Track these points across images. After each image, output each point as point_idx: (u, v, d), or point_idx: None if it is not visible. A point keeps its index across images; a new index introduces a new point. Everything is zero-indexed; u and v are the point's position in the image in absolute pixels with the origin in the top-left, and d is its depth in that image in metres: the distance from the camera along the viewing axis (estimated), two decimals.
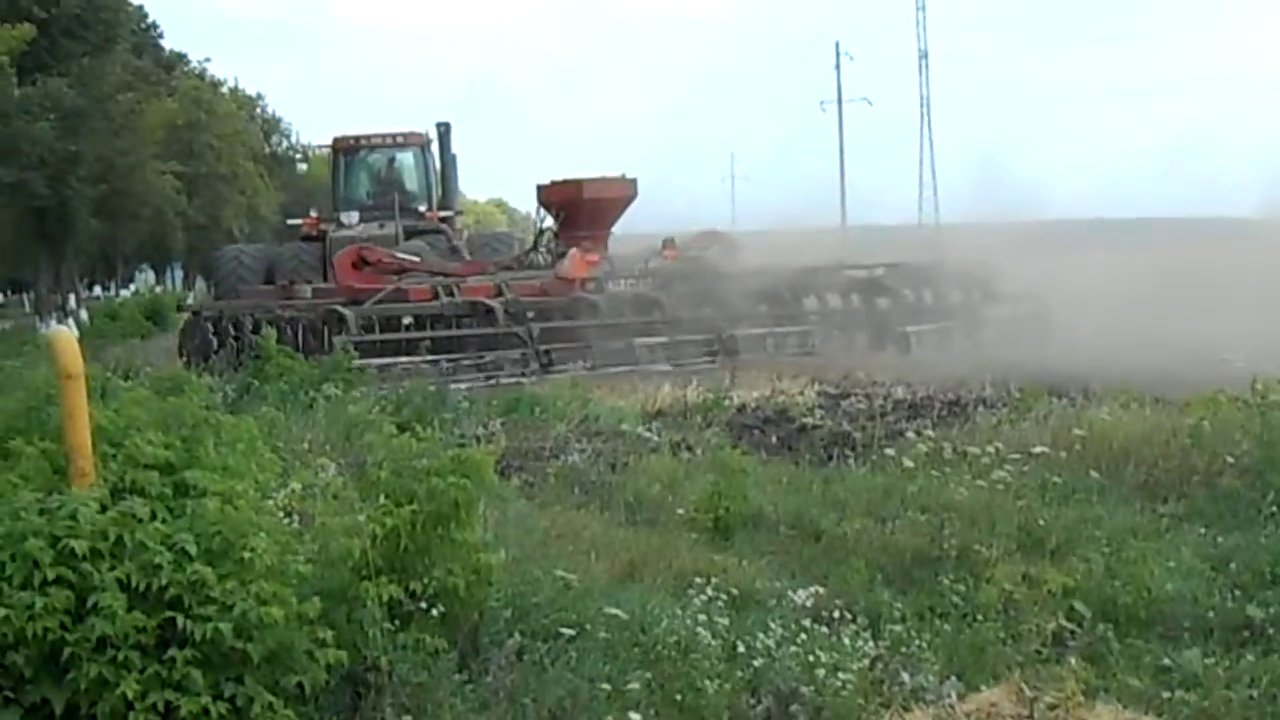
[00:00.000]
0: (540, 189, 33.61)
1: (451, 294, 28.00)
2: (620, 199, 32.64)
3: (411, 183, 37.91)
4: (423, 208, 37.13)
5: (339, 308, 26.95)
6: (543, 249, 32.21)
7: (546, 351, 26.52)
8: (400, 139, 37.83)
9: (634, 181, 32.74)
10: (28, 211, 50.43)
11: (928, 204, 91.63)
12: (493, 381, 24.37)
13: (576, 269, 29.73)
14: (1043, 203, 39.27)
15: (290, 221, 41.21)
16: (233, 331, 28.49)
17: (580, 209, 31.76)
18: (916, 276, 32.13)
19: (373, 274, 29.97)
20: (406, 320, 27.99)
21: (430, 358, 25.30)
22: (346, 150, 38.03)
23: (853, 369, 23.08)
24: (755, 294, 30.25)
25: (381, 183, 37.80)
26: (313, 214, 37.39)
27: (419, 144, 37.84)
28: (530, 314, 28.09)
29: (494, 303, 27.45)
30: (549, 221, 32.80)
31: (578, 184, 32.30)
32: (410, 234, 34.76)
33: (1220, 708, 6.92)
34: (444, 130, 37.58)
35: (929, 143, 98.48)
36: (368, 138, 37.91)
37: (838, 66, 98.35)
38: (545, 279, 29.99)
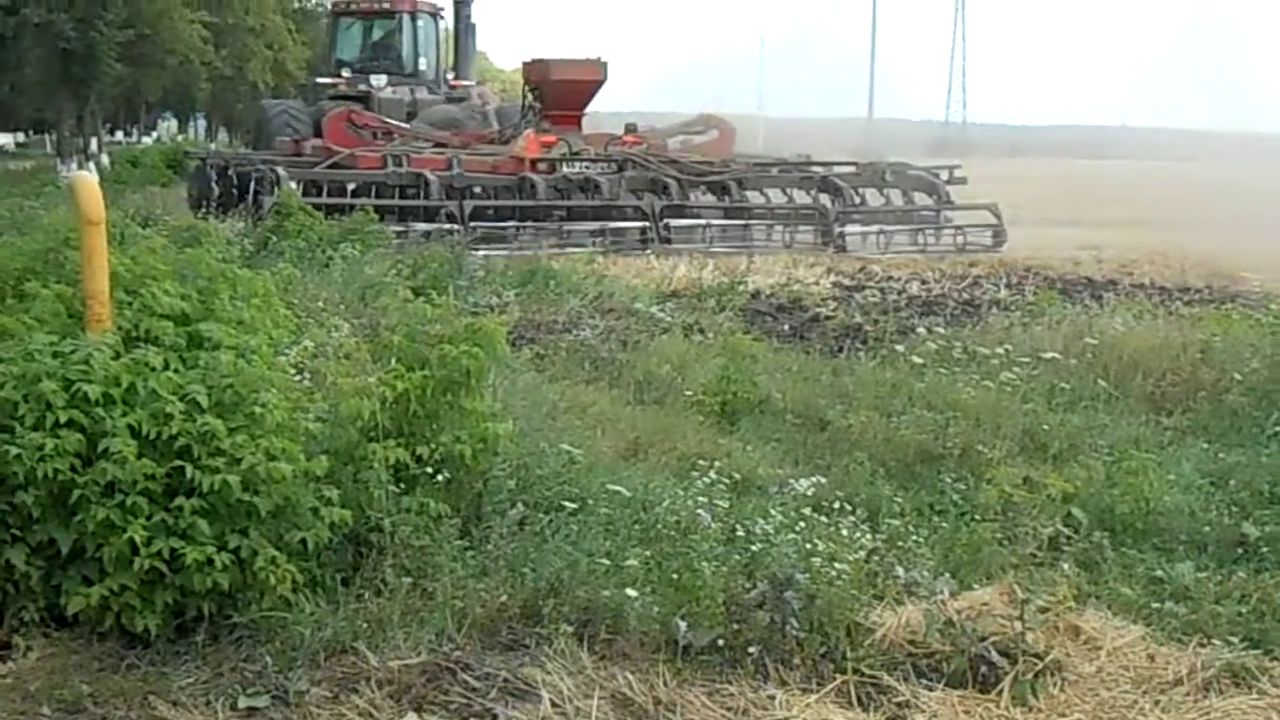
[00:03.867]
0: (524, 66, 33.58)
1: (400, 164, 27.87)
2: (589, 81, 32.36)
3: (408, 49, 37.37)
4: (447, 76, 36.92)
5: (277, 168, 26.91)
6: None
7: (475, 228, 26.27)
8: (387, 4, 37.09)
9: (604, 65, 32.38)
10: (54, 53, 50.39)
11: (955, 101, 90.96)
12: None
13: (528, 148, 29.62)
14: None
15: (319, 80, 40.89)
16: (235, 181, 28.56)
17: (549, 89, 31.68)
18: (880, 178, 31.35)
19: (357, 137, 30.19)
20: (353, 186, 27.86)
21: None
22: (343, 14, 37.80)
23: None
24: (702, 185, 29.99)
25: (377, 48, 37.34)
26: (344, 74, 37.09)
27: (428, 11, 37.38)
28: (477, 190, 28.10)
29: (432, 176, 27.33)
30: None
31: (546, 64, 32.19)
32: (449, 101, 34.77)
33: (1209, 621, 6.94)
34: None
35: (961, 38, 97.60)
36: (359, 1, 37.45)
37: None
38: (501, 157, 29.82)
